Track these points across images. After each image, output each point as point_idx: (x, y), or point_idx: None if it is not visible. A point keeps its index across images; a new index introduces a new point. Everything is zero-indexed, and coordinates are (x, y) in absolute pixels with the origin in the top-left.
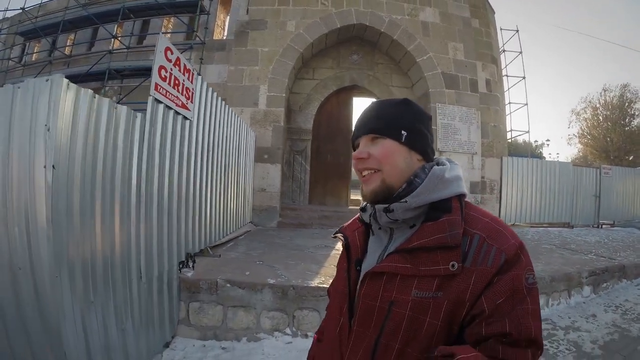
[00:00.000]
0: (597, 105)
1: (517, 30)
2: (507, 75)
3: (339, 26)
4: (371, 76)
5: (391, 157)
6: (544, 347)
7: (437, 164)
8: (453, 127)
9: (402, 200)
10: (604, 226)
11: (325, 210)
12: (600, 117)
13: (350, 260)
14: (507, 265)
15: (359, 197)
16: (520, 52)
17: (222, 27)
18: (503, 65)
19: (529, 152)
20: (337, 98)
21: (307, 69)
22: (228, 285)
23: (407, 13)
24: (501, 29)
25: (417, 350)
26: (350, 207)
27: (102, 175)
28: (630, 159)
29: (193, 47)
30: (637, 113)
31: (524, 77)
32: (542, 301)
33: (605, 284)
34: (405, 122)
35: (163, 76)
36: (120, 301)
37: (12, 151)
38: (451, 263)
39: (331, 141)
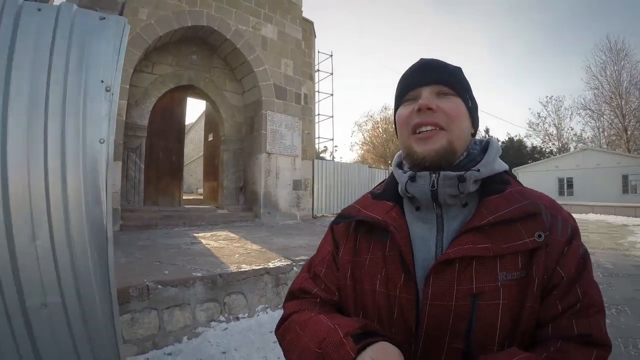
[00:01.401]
0: (378, 120)
1: (331, 55)
2: (318, 91)
3: (189, 25)
4: (207, 79)
5: (461, 118)
6: None
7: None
8: (280, 132)
9: (475, 169)
10: None
11: (164, 210)
12: (380, 129)
13: (404, 252)
14: (573, 234)
15: (191, 197)
16: (332, 73)
17: None
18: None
19: (331, 155)
20: (172, 96)
21: (147, 62)
22: (160, 286)
23: (252, 26)
24: (319, 52)
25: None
26: (186, 206)
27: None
28: None
29: None
30: None
31: (332, 94)
32: None
33: None
34: (470, 89)
35: None
36: None
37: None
38: (537, 233)
39: (164, 138)
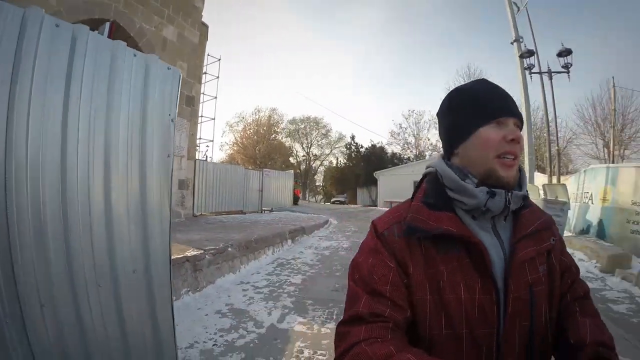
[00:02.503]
0: (250, 121)
1: (219, 59)
2: (203, 93)
3: (97, 17)
4: None
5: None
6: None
7: None
8: None
9: (525, 191)
10: (265, 211)
11: None
12: (252, 131)
13: (487, 259)
14: (560, 233)
15: None
16: (218, 77)
17: None
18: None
19: (204, 155)
20: None
21: None
22: None
23: (154, 25)
24: (208, 55)
25: (554, 312)
26: None
27: None
28: (269, 164)
29: None
30: (280, 131)
31: (216, 97)
32: (269, 250)
33: (297, 238)
34: None
35: None
36: None
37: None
38: (552, 238)
39: None
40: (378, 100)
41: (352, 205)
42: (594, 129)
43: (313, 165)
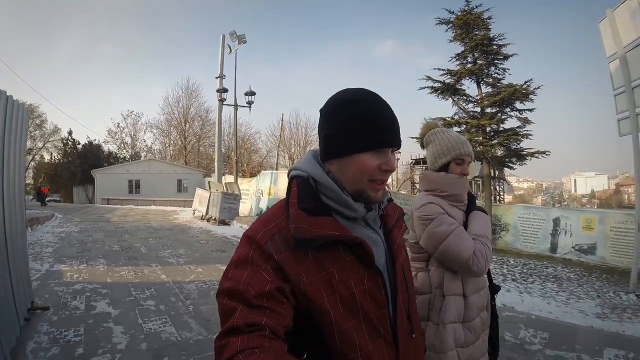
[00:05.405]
0: None
1: None
2: None
3: None
4: None
5: None
6: None
7: None
8: None
9: (388, 194)
10: None
11: None
12: None
13: (372, 255)
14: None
15: None
16: None
17: None
18: None
19: None
20: None
21: None
22: None
23: None
24: None
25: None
26: None
27: None
28: None
29: None
30: None
31: None
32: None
33: (34, 226)
34: None
35: None
36: None
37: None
38: (405, 224)
39: None
40: (97, 97)
41: (71, 204)
42: (283, 144)
43: None
